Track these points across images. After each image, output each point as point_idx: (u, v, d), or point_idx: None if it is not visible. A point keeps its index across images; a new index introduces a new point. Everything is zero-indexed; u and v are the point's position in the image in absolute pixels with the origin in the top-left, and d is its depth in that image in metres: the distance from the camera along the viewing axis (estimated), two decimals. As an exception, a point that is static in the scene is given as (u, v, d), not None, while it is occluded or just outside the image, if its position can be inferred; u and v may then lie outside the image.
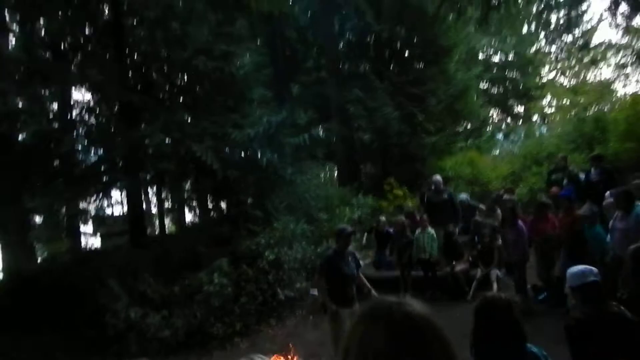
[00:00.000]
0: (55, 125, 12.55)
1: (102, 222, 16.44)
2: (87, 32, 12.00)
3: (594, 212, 6.37)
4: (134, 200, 11.45)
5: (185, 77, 11.63)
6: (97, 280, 9.22)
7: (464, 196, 9.68)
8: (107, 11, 11.96)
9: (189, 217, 15.92)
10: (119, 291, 8.88)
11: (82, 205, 14.57)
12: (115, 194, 16.23)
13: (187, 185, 12.49)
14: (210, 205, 12.40)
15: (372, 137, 14.03)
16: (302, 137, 10.00)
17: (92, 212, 15.66)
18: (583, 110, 19.08)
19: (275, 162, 10.06)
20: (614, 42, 23.36)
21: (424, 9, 14.18)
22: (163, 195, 13.64)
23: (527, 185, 11.08)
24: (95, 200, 14.54)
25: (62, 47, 12.22)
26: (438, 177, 9.16)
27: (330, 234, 10.03)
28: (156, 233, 14.10)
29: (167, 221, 16.71)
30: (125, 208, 16.66)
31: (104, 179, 11.95)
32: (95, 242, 17.33)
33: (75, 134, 11.80)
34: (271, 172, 10.21)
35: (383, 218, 9.77)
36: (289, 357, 5.79)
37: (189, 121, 10.85)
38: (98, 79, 10.91)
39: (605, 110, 18.25)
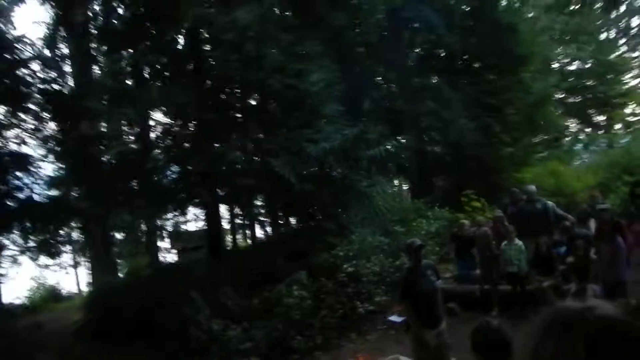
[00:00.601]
0: (137, 146, 13.43)
1: (178, 237, 17.23)
2: (166, 59, 12.81)
3: None
4: (212, 216, 11.89)
5: (260, 96, 12.04)
6: (180, 293, 9.62)
7: (550, 204, 9.29)
8: (184, 38, 12.73)
9: (259, 232, 16.41)
10: (200, 303, 9.21)
11: (160, 221, 15.46)
12: (192, 210, 17.17)
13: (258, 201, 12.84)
14: (283, 220, 12.65)
15: (446, 149, 13.82)
16: (377, 150, 10.05)
17: (170, 228, 16.55)
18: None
19: (351, 175, 10.16)
20: None
21: (498, 18, 13.97)
22: (236, 210, 14.06)
23: (618, 197, 10.48)
24: (173, 217, 15.38)
25: (143, 74, 13.10)
26: (532, 187, 8.93)
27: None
28: (228, 248, 14.49)
29: (238, 237, 17.24)
30: (200, 224, 17.51)
31: (181, 196, 12.58)
32: (172, 257, 18.20)
33: (155, 153, 12.56)
34: (346, 186, 10.30)
35: (466, 221, 9.50)
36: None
37: (263, 138, 11.20)
38: (178, 101, 11.57)
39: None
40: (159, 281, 10.86)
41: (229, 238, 16.52)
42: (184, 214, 13.65)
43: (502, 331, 2.47)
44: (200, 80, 12.00)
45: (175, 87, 12.15)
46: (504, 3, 15.56)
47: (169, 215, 15.09)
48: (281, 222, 12.40)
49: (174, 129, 12.90)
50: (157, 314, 9.45)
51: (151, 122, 13.67)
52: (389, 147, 10.35)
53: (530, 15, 19.09)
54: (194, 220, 17.63)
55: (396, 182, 15.12)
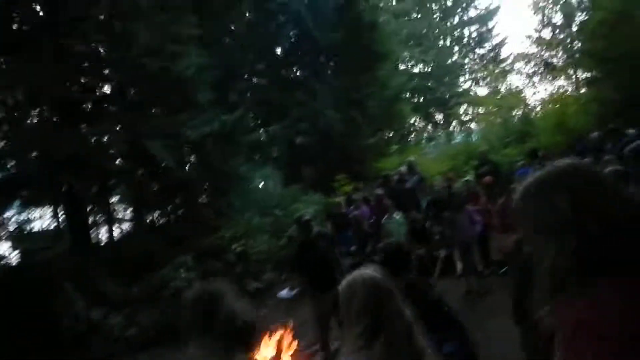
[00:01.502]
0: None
1: (22, 238, 15.56)
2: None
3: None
4: (76, 206, 11.18)
5: (131, 78, 11.63)
6: (47, 287, 9.01)
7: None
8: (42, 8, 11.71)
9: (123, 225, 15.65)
10: (73, 294, 8.76)
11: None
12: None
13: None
14: (158, 207, 12.38)
15: (315, 139, 14.73)
16: (256, 135, 10.50)
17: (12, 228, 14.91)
18: (498, 116, 21.17)
19: (231, 160, 10.45)
20: (523, 52, 26.00)
21: (361, 16, 15.30)
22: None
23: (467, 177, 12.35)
24: (16, 215, 13.98)
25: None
26: (404, 168, 10.23)
27: (288, 227, 10.60)
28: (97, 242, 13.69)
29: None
30: (46, 224, 16.10)
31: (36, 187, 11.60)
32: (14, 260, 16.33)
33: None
34: (226, 171, 10.56)
35: (339, 199, 10.41)
36: (287, 329, 6.31)
37: (136, 121, 10.87)
38: (35, 80, 10.66)
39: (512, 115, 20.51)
40: (18, 278, 9.90)
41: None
42: (37, 207, 12.55)
43: None
44: (61, 57, 11.18)
45: (31, 64, 11.19)
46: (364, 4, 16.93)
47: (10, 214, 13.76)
48: (156, 209, 12.10)
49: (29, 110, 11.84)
50: (21, 312, 8.74)
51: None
52: (273, 132, 10.80)
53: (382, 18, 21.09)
54: (38, 219, 16.27)
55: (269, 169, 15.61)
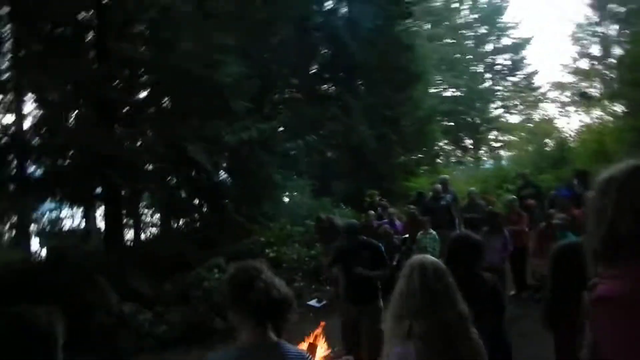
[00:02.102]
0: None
1: (52, 235, 15.96)
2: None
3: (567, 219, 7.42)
4: (112, 203, 11.48)
5: (172, 82, 12.01)
6: (81, 280, 9.24)
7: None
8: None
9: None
10: (107, 287, 8.98)
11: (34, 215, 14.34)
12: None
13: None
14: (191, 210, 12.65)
15: (347, 154, 14.94)
16: (294, 144, 10.74)
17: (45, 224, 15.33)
18: (531, 143, 21.19)
19: (267, 168, 10.68)
20: (556, 81, 26.07)
21: (398, 36, 15.62)
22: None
23: (500, 202, 12.38)
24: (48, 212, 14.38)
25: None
26: (438, 186, 10.35)
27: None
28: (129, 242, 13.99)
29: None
30: (77, 222, 16.50)
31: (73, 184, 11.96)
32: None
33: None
34: (261, 177, 10.79)
35: (372, 212, 10.50)
36: (320, 334, 6.39)
37: (176, 124, 11.18)
38: (75, 76, 11.07)
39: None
40: (51, 270, 10.16)
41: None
42: (72, 205, 12.91)
43: None
44: (103, 56, 11.59)
45: (73, 62, 11.64)
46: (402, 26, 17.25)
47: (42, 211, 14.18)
48: (188, 213, 12.37)
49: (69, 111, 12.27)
50: (55, 302, 8.99)
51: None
52: (308, 142, 11.03)
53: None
54: (69, 217, 16.69)
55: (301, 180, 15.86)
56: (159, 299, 9.00)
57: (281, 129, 12.28)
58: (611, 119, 17.25)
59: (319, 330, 6.39)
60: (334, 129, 14.80)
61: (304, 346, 6.35)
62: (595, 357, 1.24)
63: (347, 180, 15.38)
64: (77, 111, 11.99)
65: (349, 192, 14.98)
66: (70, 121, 12.29)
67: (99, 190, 12.17)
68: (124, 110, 11.86)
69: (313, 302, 9.01)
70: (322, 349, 6.33)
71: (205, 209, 11.67)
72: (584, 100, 22.81)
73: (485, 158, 28.39)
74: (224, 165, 10.83)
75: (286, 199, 11.38)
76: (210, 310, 8.45)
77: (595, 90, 22.73)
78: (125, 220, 13.20)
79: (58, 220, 15.11)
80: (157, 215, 15.18)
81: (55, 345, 1.67)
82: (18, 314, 1.67)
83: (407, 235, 10.35)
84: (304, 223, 11.32)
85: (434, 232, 9.13)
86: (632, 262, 1.16)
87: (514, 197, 9.53)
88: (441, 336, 1.94)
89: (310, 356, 1.97)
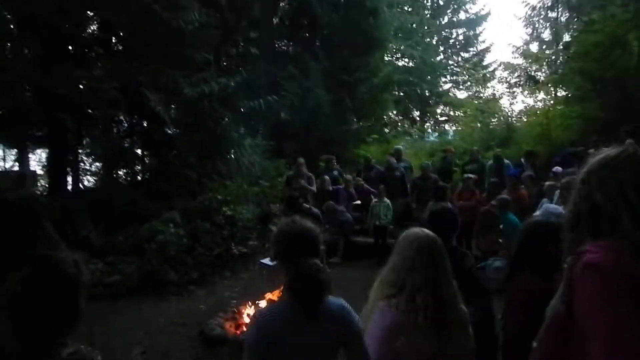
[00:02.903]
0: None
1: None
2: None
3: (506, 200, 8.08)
4: (58, 146, 11.13)
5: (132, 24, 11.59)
6: (23, 226, 9.07)
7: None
8: None
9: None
10: (54, 234, 8.87)
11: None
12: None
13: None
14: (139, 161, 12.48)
15: (301, 116, 15.07)
16: (257, 102, 10.80)
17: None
18: (478, 120, 22.13)
19: (226, 124, 10.72)
20: (507, 61, 27.07)
21: (363, 1, 15.73)
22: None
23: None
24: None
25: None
26: (393, 159, 10.85)
27: (272, 198, 11.04)
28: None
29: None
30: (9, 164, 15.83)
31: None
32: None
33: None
34: (219, 134, 10.81)
35: (327, 177, 10.89)
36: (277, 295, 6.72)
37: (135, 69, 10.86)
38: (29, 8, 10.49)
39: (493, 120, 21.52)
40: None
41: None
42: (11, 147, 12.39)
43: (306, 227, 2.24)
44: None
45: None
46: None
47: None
48: (136, 163, 12.19)
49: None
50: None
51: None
52: (273, 99, 11.10)
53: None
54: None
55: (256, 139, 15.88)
56: (111, 249, 9.02)
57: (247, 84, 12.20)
58: (553, 103, 18.42)
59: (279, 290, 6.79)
60: (290, 90, 14.82)
61: (264, 302, 6.75)
62: (567, 312, 1.51)
63: (299, 143, 15.58)
64: (24, 46, 11.38)
65: (300, 155, 15.22)
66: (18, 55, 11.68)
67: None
68: (75, 48, 11.42)
69: (266, 261, 9.36)
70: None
71: (153, 162, 11.54)
72: (531, 82, 24.00)
73: (430, 131, 29.30)
74: (181, 118, 10.66)
75: (241, 158, 11.45)
76: (164, 263, 8.62)
77: (542, 74, 23.92)
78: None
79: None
80: (97, 164, 14.85)
81: (80, 291, 1.77)
82: (47, 259, 1.76)
83: (359, 202, 10.92)
84: (258, 183, 11.55)
85: (388, 201, 9.69)
86: (615, 237, 1.47)
87: (471, 175, 10.17)
88: (437, 312, 2.13)
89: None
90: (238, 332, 6.38)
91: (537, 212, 4.48)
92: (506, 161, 11.02)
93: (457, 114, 30.05)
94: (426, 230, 2.38)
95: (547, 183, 8.10)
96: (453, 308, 2.20)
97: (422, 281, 2.14)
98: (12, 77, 9.15)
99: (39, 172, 16.69)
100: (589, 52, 12.40)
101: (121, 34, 11.52)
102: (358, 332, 2.07)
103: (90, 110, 11.09)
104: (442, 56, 32.72)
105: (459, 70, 32.49)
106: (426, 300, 2.11)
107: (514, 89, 26.00)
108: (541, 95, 22.69)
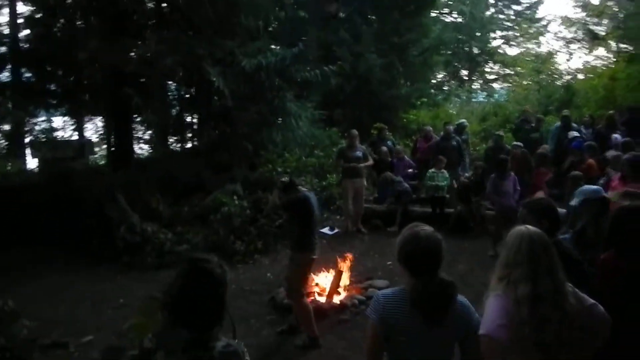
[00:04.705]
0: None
1: (48, 145, 16.01)
2: None
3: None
4: (121, 119, 11.77)
5: None
6: (100, 195, 9.79)
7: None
8: None
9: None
10: (126, 206, 9.59)
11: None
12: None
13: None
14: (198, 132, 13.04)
15: (354, 82, 15.25)
16: (313, 72, 11.08)
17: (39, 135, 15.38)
18: (532, 80, 21.68)
19: (282, 96, 11.07)
20: (563, 15, 26.18)
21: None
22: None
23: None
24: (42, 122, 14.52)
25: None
26: (450, 126, 11.04)
27: (328, 168, 11.44)
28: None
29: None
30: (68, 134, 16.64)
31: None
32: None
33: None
34: (276, 105, 11.19)
35: (384, 148, 11.22)
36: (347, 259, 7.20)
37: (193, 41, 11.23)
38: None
39: (549, 81, 21.02)
40: (65, 183, 10.59)
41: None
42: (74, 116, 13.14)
43: (431, 239, 2.41)
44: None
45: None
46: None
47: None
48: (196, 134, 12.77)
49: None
50: (73, 215, 9.54)
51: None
52: (329, 70, 11.35)
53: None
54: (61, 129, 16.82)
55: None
56: (177, 220, 9.67)
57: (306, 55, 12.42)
58: (615, 60, 17.83)
59: (346, 261, 7.28)
60: (342, 56, 14.96)
61: (331, 274, 7.25)
62: None
63: (347, 110, 15.80)
64: (83, 21, 11.94)
65: (349, 123, 15.42)
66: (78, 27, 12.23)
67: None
68: (132, 22, 11.87)
69: (326, 230, 9.89)
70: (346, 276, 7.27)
71: (212, 133, 12.05)
72: (590, 38, 23.22)
73: (479, 91, 28.90)
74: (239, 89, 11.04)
75: (297, 129, 11.81)
76: (230, 233, 9.21)
77: (602, 29, 23.06)
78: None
79: (51, 130, 15.30)
80: (149, 132, 15.49)
81: (225, 291, 2.03)
82: (200, 262, 2.03)
83: (415, 170, 11.24)
84: (313, 153, 11.97)
85: (445, 171, 9.97)
86: None
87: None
88: (535, 304, 2.22)
89: None
90: (308, 300, 6.90)
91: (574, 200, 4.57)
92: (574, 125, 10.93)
93: (507, 73, 29.53)
94: (530, 227, 2.47)
95: (610, 153, 8.20)
96: (555, 301, 2.26)
97: (523, 275, 2.28)
98: (83, 55, 9.65)
99: (95, 140, 17.63)
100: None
101: (177, 6, 11.81)
102: (475, 329, 2.28)
103: (148, 82, 11.56)
104: (492, 10, 31.70)
105: (510, 24, 31.59)
106: (524, 293, 2.23)
107: (571, 45, 25.37)
108: (601, 52, 22.05)
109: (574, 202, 4.59)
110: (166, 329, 2.05)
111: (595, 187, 4.80)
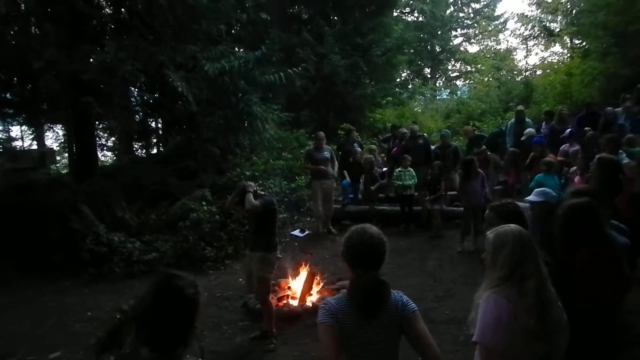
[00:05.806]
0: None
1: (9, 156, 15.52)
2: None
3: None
4: (83, 127, 11.47)
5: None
6: (63, 206, 9.53)
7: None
8: None
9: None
10: (92, 217, 9.39)
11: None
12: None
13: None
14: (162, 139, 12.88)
15: (319, 84, 15.30)
16: (278, 75, 11.06)
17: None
18: (492, 76, 22.10)
19: (247, 99, 11.02)
20: (520, 13, 26.85)
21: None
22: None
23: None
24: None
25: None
26: (415, 126, 11.20)
27: (297, 171, 11.45)
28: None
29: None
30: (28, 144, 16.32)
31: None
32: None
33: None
34: (241, 109, 11.11)
35: (359, 149, 11.26)
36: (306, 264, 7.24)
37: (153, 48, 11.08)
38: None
39: (509, 77, 21.49)
40: (26, 194, 10.29)
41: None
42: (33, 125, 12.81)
43: (375, 238, 2.43)
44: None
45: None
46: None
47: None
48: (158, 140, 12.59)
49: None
50: (36, 227, 9.27)
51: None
52: (293, 72, 11.33)
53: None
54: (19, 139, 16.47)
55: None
56: (145, 228, 9.53)
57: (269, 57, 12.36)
58: (570, 56, 18.37)
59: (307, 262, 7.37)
60: (305, 57, 14.98)
61: (303, 273, 7.28)
62: None
63: (313, 111, 15.85)
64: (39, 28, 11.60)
65: (316, 124, 15.50)
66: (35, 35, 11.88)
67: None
68: (91, 28, 11.60)
69: (297, 232, 9.90)
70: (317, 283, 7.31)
71: (177, 139, 11.92)
72: (546, 35, 23.87)
73: (442, 89, 29.34)
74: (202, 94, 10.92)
75: (263, 131, 11.77)
76: (200, 240, 9.12)
77: (557, 26, 23.74)
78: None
79: (9, 140, 14.93)
80: (113, 140, 15.24)
81: (196, 310, 2.02)
82: (170, 282, 2.01)
83: (385, 169, 11.37)
84: (281, 155, 11.96)
85: (412, 169, 10.10)
86: None
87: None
88: (539, 292, 2.35)
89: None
90: (280, 304, 6.90)
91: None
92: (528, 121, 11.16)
93: (469, 70, 30.10)
94: (516, 226, 2.55)
95: (572, 149, 8.46)
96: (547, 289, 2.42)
97: (530, 270, 2.38)
98: (39, 64, 9.40)
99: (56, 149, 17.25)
100: (612, 5, 12.37)
101: (136, 11, 11.61)
102: (409, 311, 2.39)
103: (107, 89, 11.32)
104: (452, 9, 32.33)
105: (469, 22, 32.24)
106: (530, 285, 2.35)
107: (528, 42, 26.04)
108: (557, 48, 22.70)
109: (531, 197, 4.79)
110: (135, 344, 1.97)
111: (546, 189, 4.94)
